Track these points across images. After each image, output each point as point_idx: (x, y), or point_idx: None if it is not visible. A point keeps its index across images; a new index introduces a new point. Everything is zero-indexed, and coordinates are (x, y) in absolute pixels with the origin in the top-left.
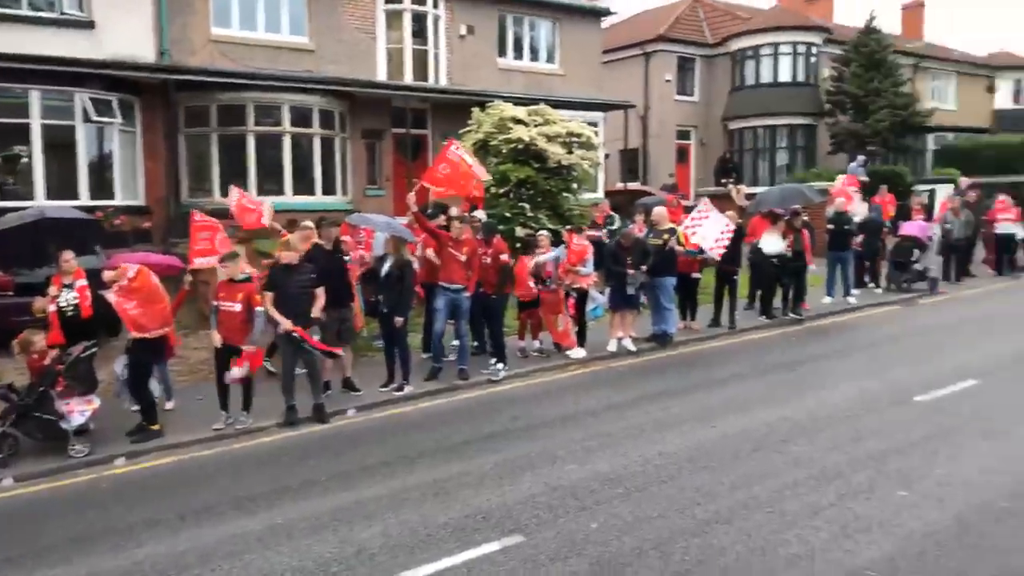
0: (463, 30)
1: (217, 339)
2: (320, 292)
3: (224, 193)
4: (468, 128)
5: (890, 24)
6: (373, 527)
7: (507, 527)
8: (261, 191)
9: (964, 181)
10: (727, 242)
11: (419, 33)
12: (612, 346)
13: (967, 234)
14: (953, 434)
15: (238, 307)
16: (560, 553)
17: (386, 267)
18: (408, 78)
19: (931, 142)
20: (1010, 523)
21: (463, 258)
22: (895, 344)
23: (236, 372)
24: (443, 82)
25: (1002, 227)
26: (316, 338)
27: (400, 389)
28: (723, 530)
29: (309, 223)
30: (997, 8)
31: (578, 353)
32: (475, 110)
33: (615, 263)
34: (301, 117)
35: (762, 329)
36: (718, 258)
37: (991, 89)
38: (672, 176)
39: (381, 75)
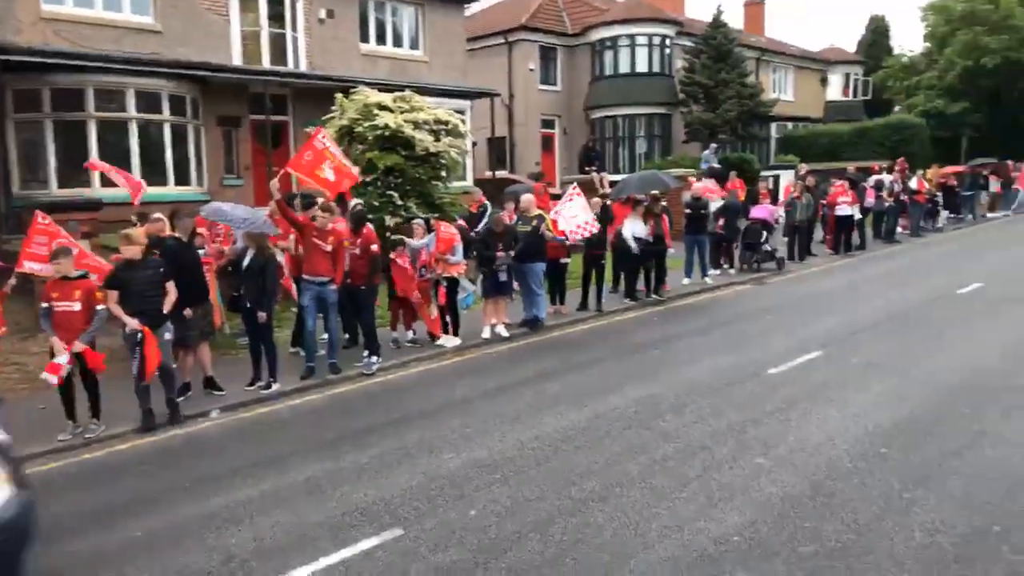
0: (322, 14)
1: (58, 345)
2: (171, 287)
3: (61, 184)
4: (331, 115)
5: (734, 19)
6: (243, 532)
7: (385, 521)
8: (106, 182)
9: (803, 167)
10: (587, 233)
11: (276, 16)
12: (486, 333)
13: (808, 216)
14: (802, 403)
15: (77, 306)
16: (440, 543)
17: (247, 260)
18: (266, 63)
19: (774, 131)
20: (855, 481)
21: (328, 248)
22: (749, 321)
23: (49, 376)
24: (303, 67)
25: (841, 209)
26: (168, 336)
27: (267, 387)
28: (599, 508)
29: (159, 215)
30: (828, 7)
31: (452, 342)
32: (338, 96)
33: (487, 249)
34: (149, 103)
35: (627, 311)
36: (579, 238)
37: (824, 82)
38: (538, 164)
39: (236, 59)
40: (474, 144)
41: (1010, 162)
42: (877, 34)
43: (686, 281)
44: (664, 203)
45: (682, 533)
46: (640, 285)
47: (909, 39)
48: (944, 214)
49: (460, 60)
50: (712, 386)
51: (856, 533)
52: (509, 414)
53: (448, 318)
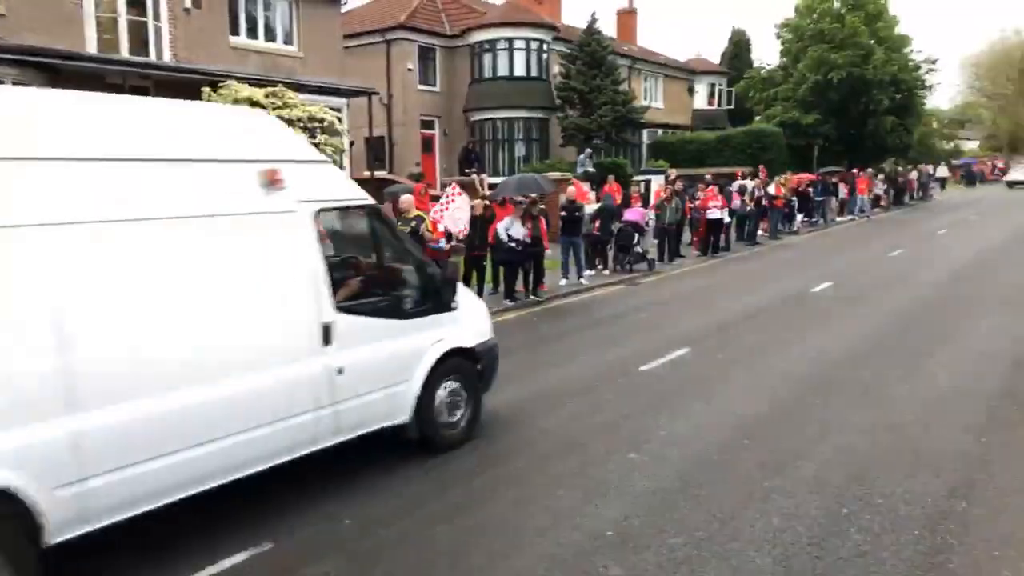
0: (188, 3)
1: None
2: None
3: None
4: None
5: (608, 27)
6: None
7: None
8: None
9: (672, 172)
10: (466, 229)
11: (137, 3)
12: None
13: (677, 219)
14: (671, 398)
15: None
16: None
17: None
18: (124, 52)
19: (645, 137)
20: (721, 473)
21: None
22: (621, 320)
23: None
24: (167, 58)
25: (712, 213)
26: None
27: None
28: (474, 514)
29: None
30: (694, 20)
31: None
32: (205, 90)
33: None
34: None
35: (506, 312)
36: (460, 236)
37: (691, 91)
38: (418, 165)
39: (91, 47)
40: (351, 143)
41: (855, 170)
42: (739, 47)
43: (563, 282)
44: (542, 206)
45: (557, 530)
46: (519, 286)
47: (768, 53)
48: (799, 218)
49: (336, 57)
50: (587, 384)
51: (721, 522)
52: None
53: None
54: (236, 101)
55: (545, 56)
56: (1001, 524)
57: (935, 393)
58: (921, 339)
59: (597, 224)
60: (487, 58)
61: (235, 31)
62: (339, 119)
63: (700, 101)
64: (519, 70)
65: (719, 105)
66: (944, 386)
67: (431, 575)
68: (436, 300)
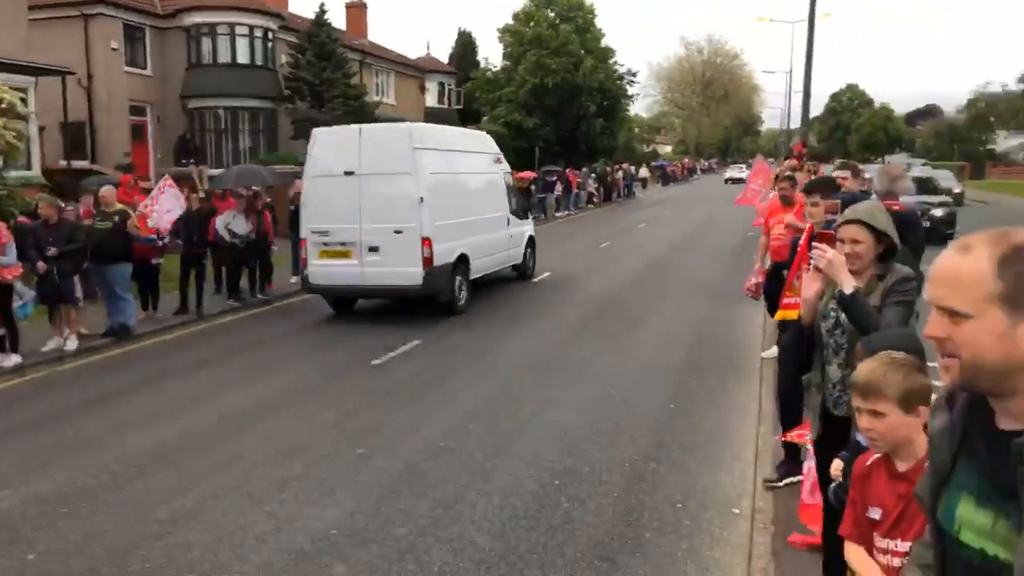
0: None
1: None
2: None
3: None
4: None
5: (338, 19)
6: None
7: None
8: None
9: None
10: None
11: None
12: (51, 344)
13: None
14: (400, 390)
15: None
16: None
17: None
18: None
19: None
20: (444, 458)
21: None
22: (356, 316)
23: None
24: None
25: None
26: None
27: None
28: (190, 525)
29: None
30: (423, 18)
31: (10, 360)
32: None
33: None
34: None
35: (231, 312)
36: (166, 228)
37: (422, 89)
38: (128, 155)
39: None
40: (42, 128)
41: (570, 169)
42: (466, 48)
43: (293, 280)
44: (268, 199)
45: (279, 536)
46: (244, 284)
47: (493, 55)
48: None
49: (21, 30)
50: (315, 383)
51: (444, 507)
52: (84, 438)
53: (4, 331)
54: None
55: (271, 44)
56: (682, 480)
57: (634, 368)
58: (622, 321)
59: None
60: (206, 42)
61: None
62: (22, 100)
63: (431, 99)
64: (242, 57)
65: (449, 104)
66: (641, 361)
67: None
68: (526, 213)
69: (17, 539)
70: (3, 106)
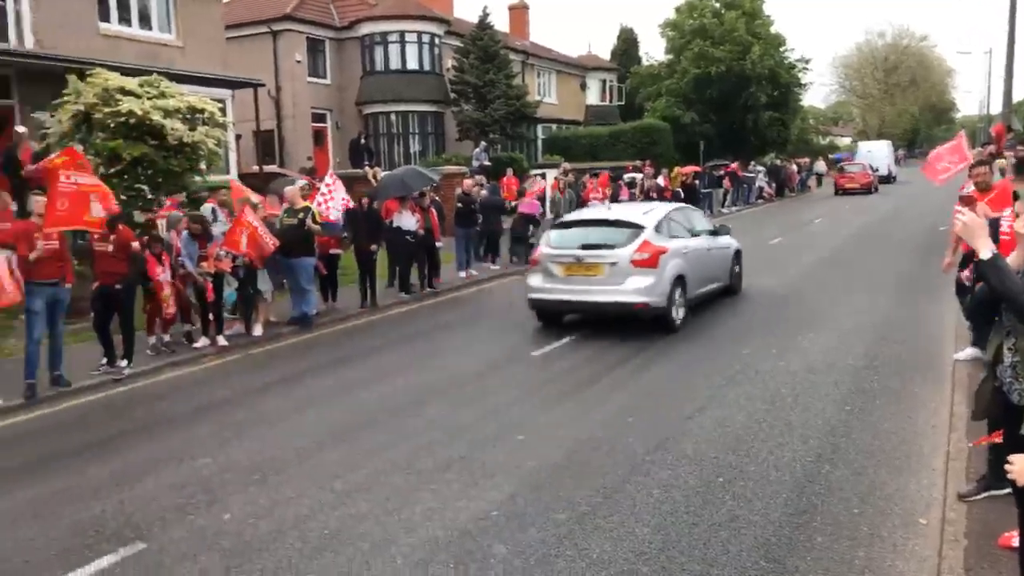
0: None
1: None
2: None
3: None
4: (64, 99)
5: (500, 22)
6: None
7: (126, 536)
8: None
9: (566, 165)
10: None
11: None
12: (258, 331)
13: (570, 211)
14: (560, 380)
15: None
16: (188, 552)
17: None
18: None
19: (540, 131)
20: (604, 449)
21: (56, 245)
22: (514, 310)
23: None
24: (29, 45)
25: (594, 204)
26: None
27: None
28: (362, 498)
29: None
30: (585, 17)
31: (221, 341)
32: (71, 78)
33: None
34: None
35: (402, 304)
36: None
37: (583, 87)
38: (310, 159)
39: None
40: (238, 137)
41: (737, 163)
42: (628, 44)
43: (463, 274)
44: (437, 198)
45: (444, 514)
46: (414, 279)
47: (655, 50)
48: None
49: (219, 47)
50: (479, 371)
51: (604, 496)
52: (272, 413)
53: (212, 316)
54: (106, 90)
55: (438, 50)
56: (859, 484)
57: (806, 366)
58: (792, 318)
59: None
60: (379, 51)
61: (105, 17)
62: (221, 111)
63: (592, 97)
64: (412, 63)
65: (611, 101)
66: (814, 359)
67: (311, 563)
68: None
69: (215, 501)
70: (205, 117)
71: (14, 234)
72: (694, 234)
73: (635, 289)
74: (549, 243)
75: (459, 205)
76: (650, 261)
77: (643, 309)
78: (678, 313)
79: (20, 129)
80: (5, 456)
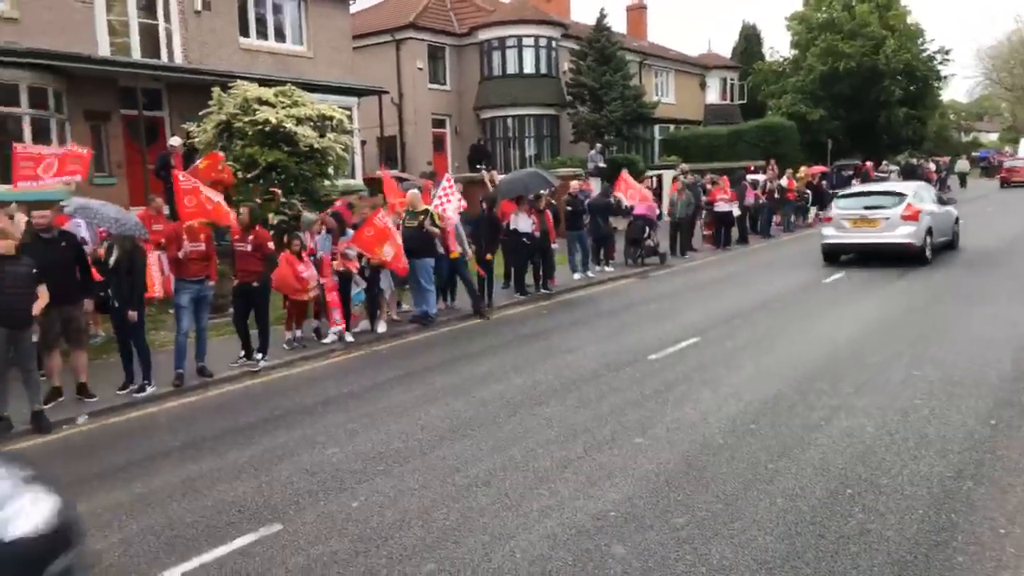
0: (198, 5)
1: None
2: (43, 290)
3: None
4: (209, 109)
5: (618, 23)
6: (110, 536)
7: (264, 517)
8: None
9: (684, 166)
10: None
11: (147, 7)
12: (382, 328)
13: (688, 213)
14: (679, 385)
15: None
16: (320, 535)
17: (114, 257)
18: (136, 55)
19: (657, 132)
20: (725, 455)
21: (202, 247)
22: (631, 311)
23: None
24: (178, 60)
25: (720, 206)
26: (33, 339)
27: (141, 390)
28: (482, 492)
29: (14, 211)
30: (704, 14)
31: (347, 337)
32: (215, 90)
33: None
34: (5, 94)
35: (517, 305)
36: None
37: (703, 86)
38: (430, 164)
39: (103, 50)
40: (363, 143)
41: (868, 163)
42: (749, 41)
43: (577, 276)
44: (552, 200)
45: (562, 512)
46: (529, 280)
47: (779, 46)
48: (813, 210)
49: (346, 57)
50: (595, 372)
51: (724, 503)
52: (396, 406)
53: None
54: (246, 100)
55: (554, 53)
56: (1007, 503)
57: (945, 376)
58: (925, 324)
59: (587, 220)
60: (496, 56)
61: (245, 32)
62: (348, 117)
63: (712, 96)
64: (528, 67)
65: (731, 99)
66: (953, 370)
67: (434, 552)
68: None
69: (343, 488)
70: (333, 123)
71: (166, 235)
72: (932, 203)
73: (904, 234)
74: (838, 207)
75: (568, 208)
76: (913, 216)
77: (909, 247)
78: (929, 252)
79: (175, 142)
80: (159, 439)
